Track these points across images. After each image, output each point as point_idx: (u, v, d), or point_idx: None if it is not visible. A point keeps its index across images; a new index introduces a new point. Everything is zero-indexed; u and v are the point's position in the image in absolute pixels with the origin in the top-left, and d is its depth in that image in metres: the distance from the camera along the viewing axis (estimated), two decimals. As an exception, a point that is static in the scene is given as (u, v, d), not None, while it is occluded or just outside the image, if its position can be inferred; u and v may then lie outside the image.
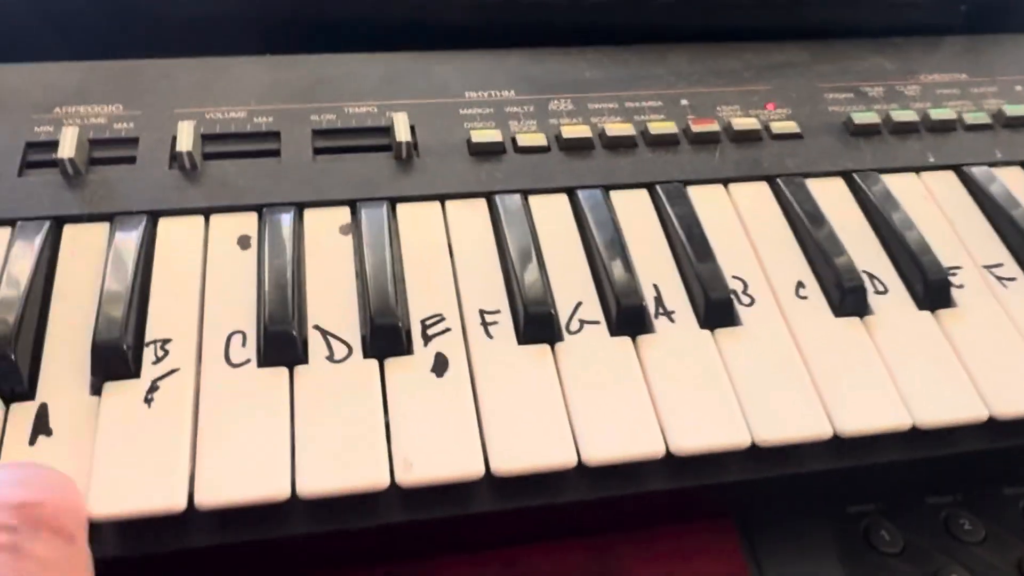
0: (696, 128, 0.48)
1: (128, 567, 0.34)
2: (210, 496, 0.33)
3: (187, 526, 0.33)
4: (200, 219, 0.42)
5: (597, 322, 0.40)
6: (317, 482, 0.33)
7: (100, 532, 0.33)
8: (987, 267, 0.44)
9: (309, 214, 0.43)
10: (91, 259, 0.40)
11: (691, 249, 0.42)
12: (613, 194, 0.45)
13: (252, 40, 0.50)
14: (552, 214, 0.44)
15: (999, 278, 0.44)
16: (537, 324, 0.38)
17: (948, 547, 0.42)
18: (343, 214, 0.43)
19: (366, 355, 0.37)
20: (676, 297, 0.41)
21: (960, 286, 0.43)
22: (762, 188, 0.47)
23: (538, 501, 0.36)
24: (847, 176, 0.48)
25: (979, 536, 0.42)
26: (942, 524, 0.43)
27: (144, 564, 0.34)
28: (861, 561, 0.41)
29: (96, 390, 0.36)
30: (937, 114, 0.51)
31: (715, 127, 0.48)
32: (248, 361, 0.37)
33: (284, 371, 0.36)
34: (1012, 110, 0.52)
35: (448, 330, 0.39)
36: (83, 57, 0.48)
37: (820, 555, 0.41)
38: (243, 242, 0.41)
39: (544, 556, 0.40)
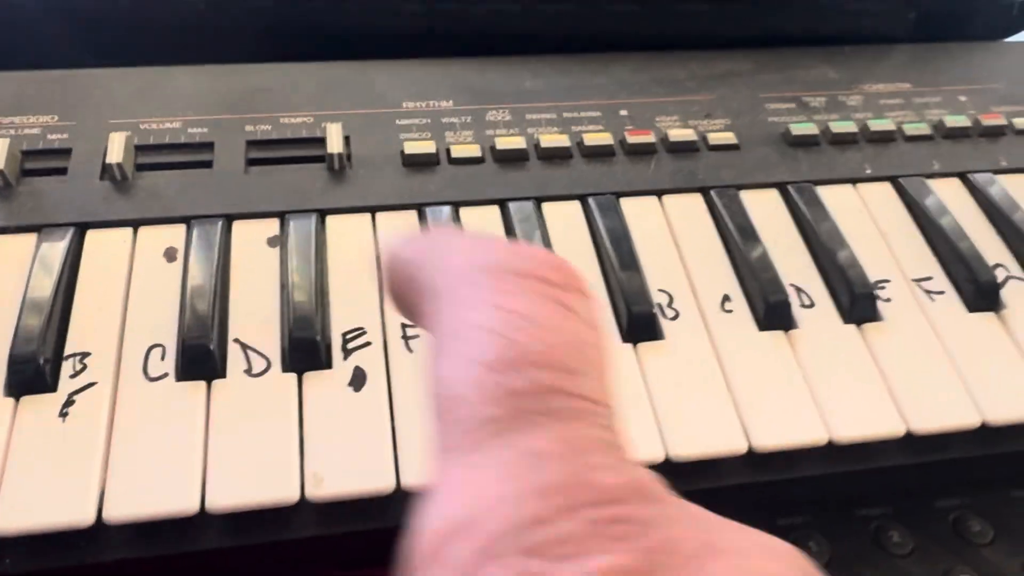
0: (632, 139, 0.48)
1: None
2: (118, 510, 0.33)
3: (97, 540, 0.33)
4: (128, 231, 0.42)
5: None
6: (226, 497, 0.33)
7: (9, 547, 0.33)
8: (916, 280, 0.44)
9: (237, 226, 0.43)
10: (15, 270, 0.40)
11: (617, 262, 0.42)
12: (545, 206, 0.45)
13: (192, 49, 0.50)
14: (483, 226, 0.44)
15: (927, 291, 0.44)
16: (457, 338, 0.38)
17: (875, 560, 0.42)
18: (272, 226, 0.43)
19: (284, 369, 0.38)
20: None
21: (887, 300, 0.43)
22: (696, 200, 0.47)
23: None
24: (782, 188, 0.48)
25: (907, 548, 0.42)
26: (871, 535, 0.43)
27: (55, 578, 0.34)
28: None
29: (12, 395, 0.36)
30: (876, 125, 0.51)
31: (651, 138, 0.48)
32: (166, 375, 0.37)
33: (202, 385, 0.37)
34: (952, 120, 0.52)
35: (369, 344, 0.39)
36: (19, 67, 0.48)
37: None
38: (169, 255, 0.41)
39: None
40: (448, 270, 0.22)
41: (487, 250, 0.22)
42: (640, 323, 0.40)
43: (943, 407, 0.39)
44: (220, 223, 0.42)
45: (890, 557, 0.42)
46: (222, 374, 0.37)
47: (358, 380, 0.37)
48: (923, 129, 0.51)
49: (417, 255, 0.23)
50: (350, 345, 0.39)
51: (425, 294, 0.22)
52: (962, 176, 0.50)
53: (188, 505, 0.33)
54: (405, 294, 0.24)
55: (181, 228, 0.42)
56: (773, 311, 0.41)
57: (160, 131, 0.46)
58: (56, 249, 0.40)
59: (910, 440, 0.39)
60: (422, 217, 0.44)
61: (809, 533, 0.43)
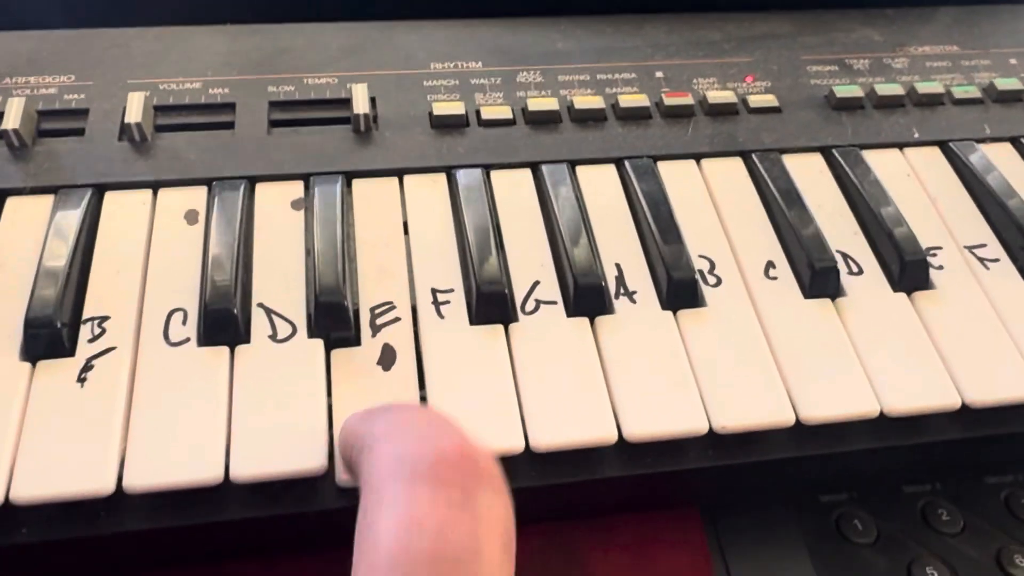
0: (669, 101, 0.46)
1: (57, 550, 0.33)
2: (139, 480, 0.31)
3: (117, 510, 0.32)
4: (148, 193, 0.41)
5: (554, 302, 0.38)
6: (251, 466, 0.32)
7: (28, 515, 0.32)
8: (969, 248, 0.42)
9: (261, 188, 0.41)
10: (32, 233, 0.38)
11: (656, 227, 0.40)
12: (579, 170, 0.44)
13: (212, 8, 0.49)
14: (514, 190, 0.42)
15: (981, 259, 0.42)
16: (489, 303, 0.37)
17: (924, 538, 0.40)
18: (296, 189, 0.41)
19: (311, 335, 0.36)
20: (639, 277, 0.39)
21: (939, 267, 0.41)
22: (736, 164, 0.45)
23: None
24: (826, 152, 0.46)
25: (957, 527, 0.41)
26: (919, 514, 0.42)
27: (74, 547, 0.33)
28: (831, 551, 0.40)
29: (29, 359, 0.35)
30: (924, 88, 0.49)
31: (689, 100, 0.46)
32: (187, 340, 0.36)
33: (224, 351, 0.35)
34: (1004, 84, 0.49)
35: (398, 319, 0.37)
36: (37, 26, 0.47)
37: (788, 545, 0.40)
38: (191, 217, 0.40)
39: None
40: (374, 464, 0.26)
41: (410, 451, 0.26)
42: (681, 290, 0.38)
43: (999, 379, 0.37)
44: (243, 185, 0.41)
45: (939, 535, 0.40)
46: (246, 339, 0.36)
47: (387, 358, 0.36)
48: (973, 92, 0.49)
49: (357, 440, 0.28)
50: (379, 321, 0.37)
51: (359, 475, 0.27)
52: (1014, 141, 0.48)
53: (212, 474, 0.32)
54: (348, 465, 0.29)
55: (202, 190, 0.41)
56: (820, 278, 0.39)
57: (180, 91, 0.45)
58: (73, 210, 0.39)
59: (964, 413, 0.37)
60: (451, 179, 0.42)
61: (854, 511, 0.41)
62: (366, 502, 0.25)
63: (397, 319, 0.37)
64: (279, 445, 0.33)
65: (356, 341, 0.36)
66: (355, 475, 0.28)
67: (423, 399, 0.35)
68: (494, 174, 0.43)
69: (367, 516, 0.25)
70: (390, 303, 0.38)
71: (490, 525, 0.25)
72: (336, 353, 0.36)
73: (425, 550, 0.23)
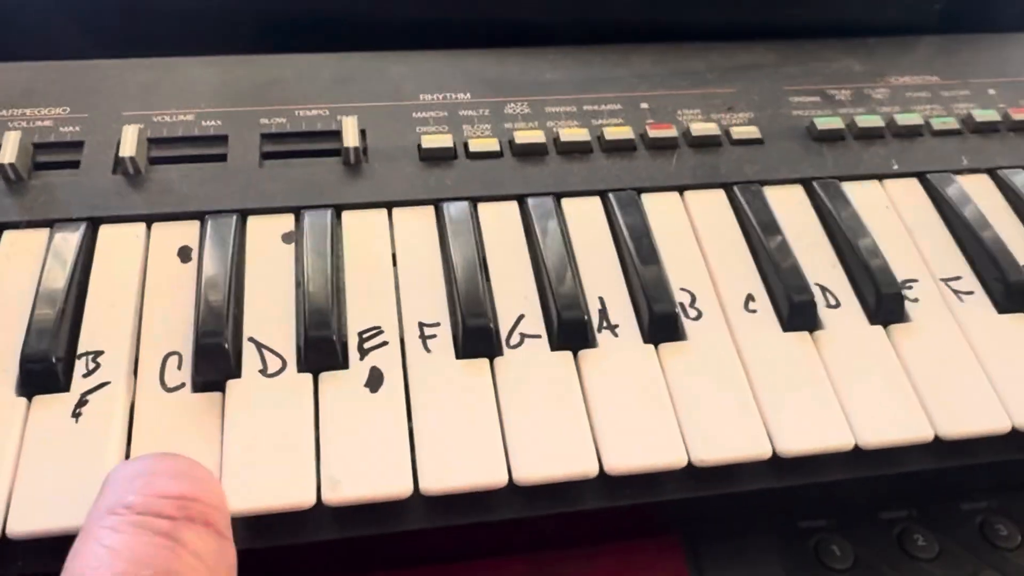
0: (653, 133, 0.47)
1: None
2: (132, 514, 0.32)
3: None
4: (142, 226, 0.41)
5: (538, 336, 0.39)
6: (242, 500, 0.33)
7: (23, 549, 0.32)
8: (944, 280, 0.43)
9: (252, 221, 0.42)
10: (28, 266, 0.39)
11: (638, 260, 0.41)
12: (565, 202, 0.45)
13: (204, 40, 0.49)
14: (501, 222, 0.43)
15: (956, 292, 0.43)
16: (475, 338, 0.38)
17: (900, 563, 0.41)
18: (287, 222, 0.42)
19: (300, 369, 0.37)
20: (622, 310, 0.40)
21: (915, 300, 0.42)
22: (718, 196, 0.46)
23: (471, 519, 0.35)
24: (806, 184, 0.47)
25: (932, 552, 0.42)
26: (895, 540, 0.43)
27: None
28: (809, 577, 0.41)
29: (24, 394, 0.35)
30: (904, 119, 0.50)
31: (673, 132, 0.47)
32: (183, 385, 0.36)
33: (217, 397, 0.36)
34: (981, 115, 0.50)
35: (385, 344, 0.38)
36: (32, 57, 0.48)
37: (766, 571, 0.41)
38: (184, 254, 0.41)
39: (483, 572, 0.40)
40: (95, 506, 0.27)
41: (121, 496, 0.27)
42: (662, 323, 0.39)
43: (972, 411, 0.38)
44: (234, 218, 0.41)
45: (915, 561, 0.41)
46: (237, 374, 0.37)
47: (375, 381, 0.37)
48: (951, 124, 0.50)
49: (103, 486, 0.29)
50: (367, 345, 0.38)
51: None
52: (991, 172, 0.49)
53: (203, 509, 0.32)
54: None
55: (195, 225, 0.42)
56: (798, 311, 0.40)
57: (173, 123, 0.45)
58: (69, 244, 0.40)
59: (938, 445, 0.38)
60: (439, 212, 0.43)
61: (832, 536, 0.42)
62: (74, 544, 0.26)
63: (385, 343, 0.38)
64: (269, 479, 0.33)
65: (344, 364, 0.37)
66: None
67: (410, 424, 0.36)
68: (481, 207, 0.44)
69: (69, 556, 0.26)
70: (378, 327, 0.39)
71: (193, 558, 0.26)
72: (324, 376, 0.37)
73: (111, 573, 0.24)
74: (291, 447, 0.34)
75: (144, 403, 0.36)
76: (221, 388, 0.36)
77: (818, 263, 0.43)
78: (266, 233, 0.42)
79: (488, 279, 0.41)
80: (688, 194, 0.46)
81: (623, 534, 0.41)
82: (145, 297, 0.39)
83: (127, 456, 0.34)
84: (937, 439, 0.38)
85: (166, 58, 0.48)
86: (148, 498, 0.27)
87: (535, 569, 0.40)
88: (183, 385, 0.36)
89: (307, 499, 0.33)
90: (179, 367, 0.37)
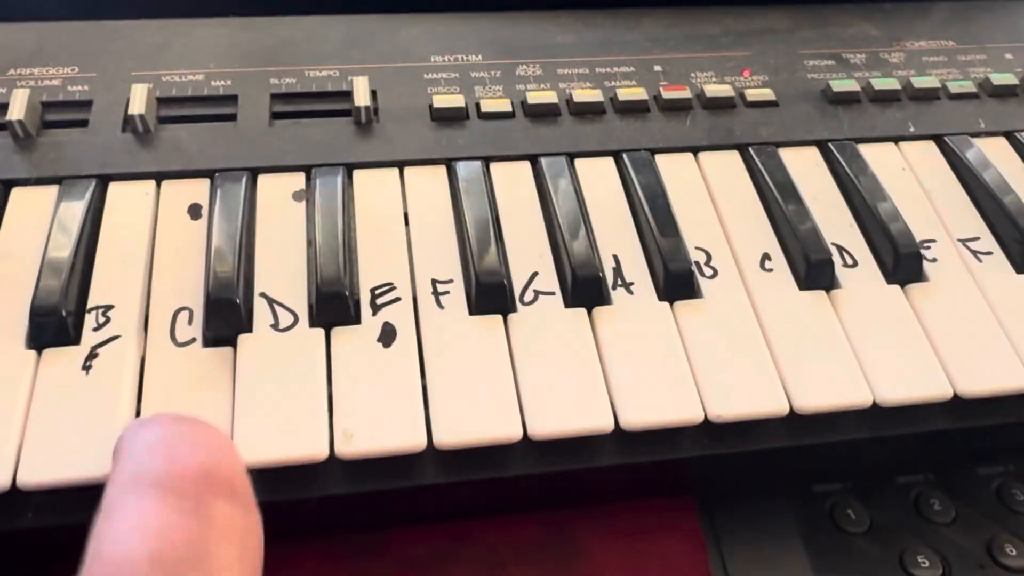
0: (667, 94, 0.47)
1: (62, 535, 0.33)
2: (144, 466, 0.32)
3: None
4: (151, 184, 0.41)
5: (552, 293, 0.39)
6: (254, 452, 0.32)
7: (34, 499, 0.32)
8: (963, 240, 0.43)
9: (263, 180, 0.42)
10: (37, 223, 0.39)
11: (653, 219, 0.41)
12: (578, 162, 0.44)
13: (214, 0, 0.49)
14: (513, 182, 0.43)
15: (974, 252, 0.42)
16: (488, 294, 0.37)
17: (916, 527, 0.41)
18: (298, 180, 0.42)
19: (312, 324, 0.37)
20: (636, 269, 0.40)
21: (933, 260, 0.42)
22: (733, 157, 0.45)
23: (484, 475, 0.35)
24: (822, 145, 0.46)
25: (949, 517, 0.41)
26: (912, 504, 0.42)
27: (79, 532, 0.33)
28: (825, 540, 0.40)
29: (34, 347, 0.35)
30: (920, 82, 0.49)
31: (687, 94, 0.47)
32: (193, 340, 0.36)
33: (228, 352, 0.35)
34: (999, 78, 0.50)
35: (398, 299, 0.38)
36: (41, 17, 0.47)
37: (782, 534, 0.40)
38: (194, 212, 0.40)
39: (496, 530, 0.39)
40: (111, 481, 0.25)
41: (144, 466, 0.25)
42: (678, 281, 0.39)
43: (991, 370, 0.38)
44: (245, 177, 0.41)
45: (932, 525, 0.41)
46: (248, 328, 0.36)
47: (387, 336, 0.36)
48: (968, 87, 0.50)
49: (114, 453, 0.27)
50: (379, 300, 0.37)
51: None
52: (1008, 135, 0.48)
53: (215, 460, 0.32)
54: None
55: (205, 182, 0.41)
56: (815, 270, 0.40)
57: (183, 83, 0.45)
58: (78, 200, 0.39)
59: (957, 403, 0.37)
60: (451, 171, 0.43)
61: (847, 500, 0.42)
62: (97, 519, 0.24)
63: (397, 299, 0.38)
64: (282, 432, 0.33)
65: (356, 320, 0.37)
66: None
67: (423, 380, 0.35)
68: (494, 166, 0.43)
69: (96, 531, 0.24)
70: (390, 284, 0.38)
71: (223, 532, 0.24)
72: (336, 331, 0.36)
73: (145, 552, 0.22)
74: (303, 400, 0.34)
75: (154, 358, 0.35)
76: (232, 343, 0.36)
77: (834, 223, 0.43)
78: (277, 191, 0.41)
79: (501, 238, 0.40)
80: (703, 155, 0.45)
81: (637, 493, 0.40)
82: (155, 253, 0.39)
83: (138, 410, 0.34)
84: (956, 397, 0.37)
85: (175, 19, 0.48)
86: (172, 470, 0.25)
87: (548, 527, 0.39)
88: (194, 340, 0.36)
89: (320, 451, 0.33)
90: (190, 322, 0.36)
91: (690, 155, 0.45)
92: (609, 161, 0.44)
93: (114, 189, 0.41)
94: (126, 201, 0.40)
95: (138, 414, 0.34)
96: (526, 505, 0.40)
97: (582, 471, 0.35)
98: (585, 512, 0.40)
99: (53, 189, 0.40)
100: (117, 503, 0.24)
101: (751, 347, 0.37)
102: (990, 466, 0.44)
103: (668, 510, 0.41)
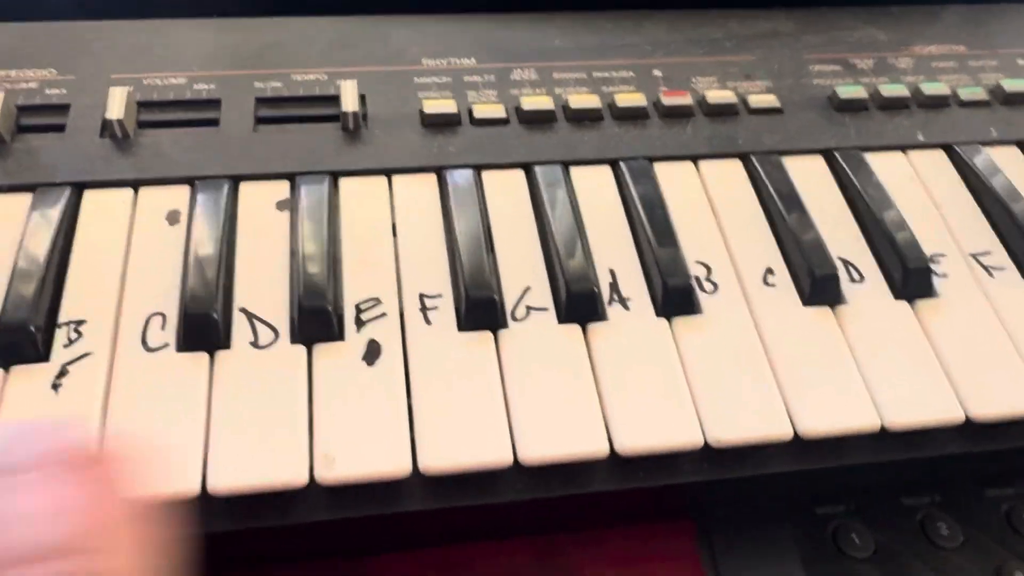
0: (667, 100, 0.45)
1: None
2: (113, 491, 0.30)
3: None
4: (128, 192, 0.40)
5: (545, 309, 0.37)
6: (230, 479, 0.31)
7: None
8: (974, 255, 0.41)
9: (245, 188, 0.40)
10: (8, 232, 0.37)
11: (651, 231, 0.39)
12: (573, 170, 0.43)
13: (199, 1, 0.47)
14: (506, 191, 0.41)
15: (985, 267, 0.41)
16: (478, 309, 0.36)
17: (922, 552, 0.39)
18: (282, 188, 0.40)
19: (293, 340, 0.35)
20: (633, 283, 0.38)
21: (943, 275, 0.40)
22: (735, 166, 0.44)
23: (473, 501, 0.33)
24: (828, 154, 0.45)
25: (957, 541, 0.40)
26: (918, 527, 0.40)
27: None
28: (827, 566, 0.39)
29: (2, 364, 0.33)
30: (930, 89, 0.47)
31: (688, 100, 0.45)
32: (166, 345, 0.34)
33: (204, 357, 0.34)
34: (1011, 85, 0.48)
35: (384, 315, 0.36)
36: (19, 18, 0.46)
37: (783, 558, 0.39)
38: (172, 217, 0.39)
39: (488, 556, 0.38)
40: None
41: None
42: (676, 297, 0.37)
43: (1003, 392, 0.36)
44: (226, 185, 0.39)
45: (938, 549, 0.39)
46: (226, 345, 0.35)
47: (372, 353, 0.35)
48: (979, 94, 0.48)
49: None
50: (364, 316, 0.36)
51: None
52: (1021, 144, 0.47)
53: (187, 488, 0.31)
54: None
55: (185, 189, 0.40)
56: (820, 286, 0.38)
57: (164, 87, 0.43)
58: (52, 209, 0.38)
59: (968, 427, 0.36)
60: (442, 180, 0.41)
61: (851, 523, 0.40)
62: None
63: (383, 314, 0.36)
64: (260, 456, 0.31)
65: (340, 336, 0.35)
66: None
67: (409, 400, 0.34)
68: (486, 175, 0.42)
69: None
70: (376, 298, 0.37)
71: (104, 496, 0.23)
72: (318, 348, 0.35)
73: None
74: (283, 422, 0.32)
75: (124, 363, 0.34)
76: (207, 349, 0.34)
77: (840, 236, 0.41)
78: (260, 200, 0.40)
79: (492, 250, 0.39)
80: (703, 164, 0.44)
81: (633, 518, 0.39)
82: (130, 260, 0.37)
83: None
84: (967, 421, 0.35)
85: (158, 19, 0.46)
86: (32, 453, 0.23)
87: (540, 553, 0.38)
88: (166, 345, 0.34)
89: (298, 478, 0.31)
90: (163, 327, 0.35)
91: (690, 164, 0.44)
92: (606, 170, 0.43)
93: (90, 197, 0.39)
94: (102, 210, 0.39)
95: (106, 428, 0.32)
96: (517, 529, 0.38)
97: (575, 497, 0.34)
98: (579, 536, 0.39)
99: (26, 197, 0.39)
100: None
101: (753, 367, 0.36)
102: (1000, 488, 0.42)
103: (665, 534, 0.39)
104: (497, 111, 0.44)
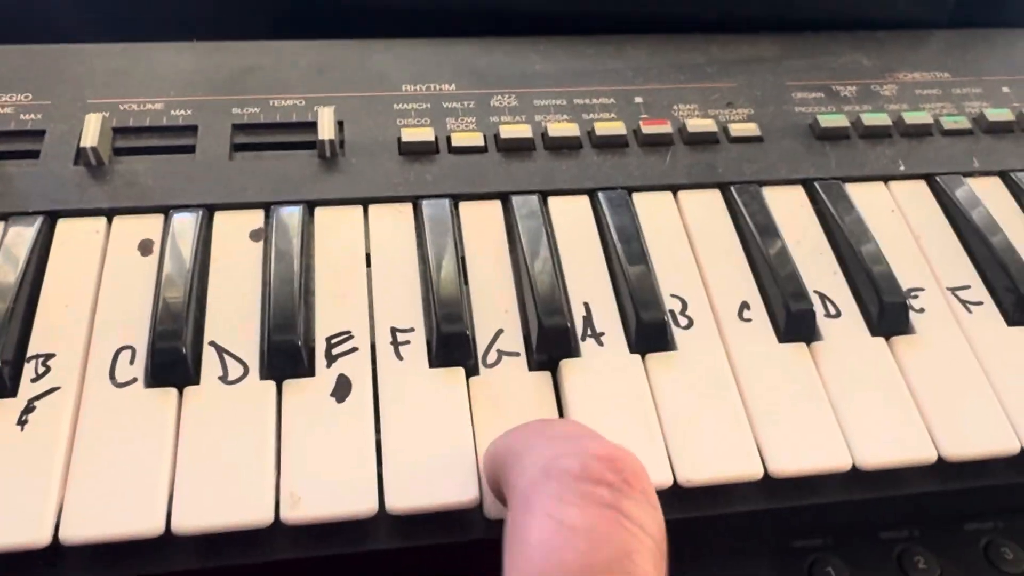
0: (647, 129, 0.45)
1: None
2: (76, 531, 0.30)
3: (54, 563, 0.31)
4: (102, 221, 0.39)
5: (517, 354, 0.36)
6: (194, 518, 0.31)
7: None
8: (952, 289, 0.41)
9: (219, 217, 0.40)
10: (-21, 263, 0.37)
11: (627, 264, 0.39)
12: (551, 201, 0.42)
13: (177, 24, 0.47)
14: (482, 222, 0.41)
15: (964, 302, 0.41)
16: (450, 345, 0.35)
17: (899, 588, 0.39)
18: (256, 218, 0.40)
19: (263, 376, 0.35)
20: (608, 317, 0.38)
21: (920, 310, 0.40)
22: (714, 196, 0.43)
23: (441, 540, 0.33)
24: (808, 185, 0.44)
25: (935, 575, 0.39)
26: (895, 561, 0.40)
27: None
28: (802, 602, 0.38)
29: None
30: (912, 118, 0.47)
31: (668, 128, 0.45)
32: (135, 380, 0.34)
33: (172, 392, 0.34)
34: (994, 114, 0.48)
35: (355, 349, 0.36)
36: (-3, 40, 0.46)
37: (759, 596, 0.38)
38: (144, 247, 0.38)
39: (457, 592, 0.37)
40: (521, 474, 0.26)
41: (556, 453, 0.26)
42: (650, 332, 0.37)
43: (978, 431, 0.36)
44: (200, 214, 0.39)
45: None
46: (195, 380, 0.34)
47: (342, 389, 0.34)
48: (962, 123, 0.48)
49: (501, 455, 0.28)
50: (335, 350, 0.36)
51: (506, 490, 0.27)
52: (1003, 175, 0.46)
53: (151, 527, 0.30)
54: (495, 486, 0.30)
55: (159, 219, 0.40)
56: (796, 321, 0.38)
57: (141, 112, 0.43)
58: (22, 239, 0.38)
59: (941, 467, 0.36)
60: (417, 210, 0.41)
61: (828, 557, 0.40)
62: (514, 513, 0.25)
63: (354, 349, 0.36)
64: (225, 495, 0.31)
65: (310, 372, 0.35)
66: (504, 494, 0.28)
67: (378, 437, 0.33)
68: (462, 205, 0.41)
69: (516, 526, 0.24)
70: (348, 332, 0.36)
71: (640, 529, 0.24)
72: (288, 384, 0.34)
73: (576, 558, 0.23)
74: (250, 461, 0.32)
75: (91, 398, 0.34)
76: (176, 384, 0.34)
77: (818, 269, 0.41)
78: (233, 230, 0.39)
79: (467, 282, 0.38)
80: (682, 194, 0.43)
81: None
82: (100, 291, 0.37)
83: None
84: (941, 460, 0.35)
85: (135, 43, 0.46)
86: (586, 461, 0.25)
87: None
88: (135, 380, 0.34)
89: (263, 518, 0.31)
90: (131, 362, 0.34)
91: (669, 194, 0.43)
92: (584, 200, 0.42)
93: (63, 226, 0.39)
94: (74, 239, 0.39)
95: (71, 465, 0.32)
96: (488, 569, 0.38)
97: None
98: None
99: (-2, 226, 0.38)
100: (534, 496, 0.25)
101: (725, 405, 0.35)
102: (978, 522, 0.42)
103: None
104: (475, 139, 0.44)
